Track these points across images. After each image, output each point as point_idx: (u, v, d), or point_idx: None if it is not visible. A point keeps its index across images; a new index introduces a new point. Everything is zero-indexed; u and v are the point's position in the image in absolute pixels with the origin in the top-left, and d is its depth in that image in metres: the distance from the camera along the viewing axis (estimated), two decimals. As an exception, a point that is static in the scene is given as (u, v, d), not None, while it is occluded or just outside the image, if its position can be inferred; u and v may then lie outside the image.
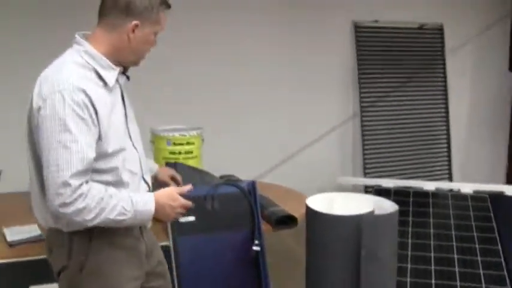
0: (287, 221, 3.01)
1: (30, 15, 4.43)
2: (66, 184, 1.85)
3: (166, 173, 2.81)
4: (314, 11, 5.55)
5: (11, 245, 2.67)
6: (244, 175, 3.51)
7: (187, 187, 2.24)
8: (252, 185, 3.00)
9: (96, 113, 1.95)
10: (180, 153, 3.52)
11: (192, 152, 3.60)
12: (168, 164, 3.22)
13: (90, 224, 1.93)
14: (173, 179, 2.81)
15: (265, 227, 2.97)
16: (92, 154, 1.92)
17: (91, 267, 2.07)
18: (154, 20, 2.10)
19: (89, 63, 2.02)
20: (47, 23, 4.42)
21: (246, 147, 5.24)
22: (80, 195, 1.87)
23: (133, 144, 2.20)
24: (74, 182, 1.85)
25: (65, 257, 2.09)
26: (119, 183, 2.06)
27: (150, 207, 2.05)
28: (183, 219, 2.79)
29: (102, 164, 2.00)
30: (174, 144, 3.56)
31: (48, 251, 2.21)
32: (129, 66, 2.21)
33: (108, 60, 2.06)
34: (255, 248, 2.87)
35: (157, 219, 2.21)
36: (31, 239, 2.68)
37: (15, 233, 2.76)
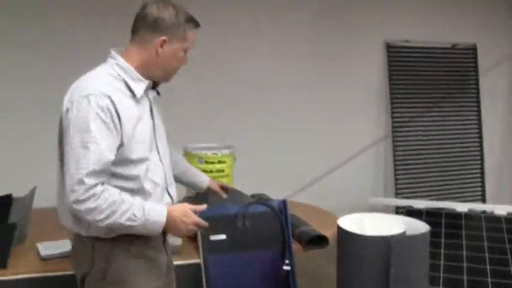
0: (318, 240, 3.00)
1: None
2: (81, 182, 1.92)
3: (217, 183, 2.89)
4: (346, 31, 5.56)
5: (44, 259, 2.74)
6: (275, 194, 3.51)
7: (202, 206, 2.26)
8: (283, 204, 3.00)
9: (120, 119, 2.04)
10: (211, 171, 3.53)
11: (223, 171, 3.62)
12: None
13: (101, 225, 1.98)
14: (223, 188, 2.89)
15: (295, 246, 2.97)
16: (110, 157, 1.99)
17: (113, 275, 2.13)
18: (181, 36, 2.18)
19: (119, 74, 2.13)
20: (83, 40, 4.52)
21: (277, 166, 5.23)
22: (93, 195, 1.94)
23: (160, 158, 2.26)
24: (89, 181, 1.93)
25: (87, 264, 2.16)
26: (140, 192, 2.12)
27: (161, 218, 2.08)
28: (214, 238, 2.81)
29: (125, 171, 2.08)
30: (206, 162, 3.58)
31: (74, 258, 2.28)
32: (160, 82, 2.30)
33: (138, 73, 2.16)
34: (285, 267, 2.86)
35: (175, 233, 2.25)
36: (63, 253, 2.73)
37: (47, 248, 2.82)
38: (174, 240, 2.82)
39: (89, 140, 1.95)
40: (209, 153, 3.61)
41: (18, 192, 3.14)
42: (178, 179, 2.71)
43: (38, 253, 2.80)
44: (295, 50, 5.40)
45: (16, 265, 2.67)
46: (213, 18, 4.81)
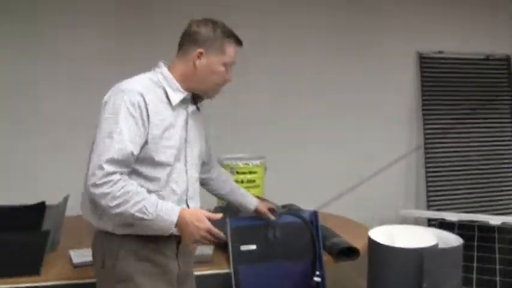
0: (349, 252, 2.99)
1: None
2: (100, 167, 2.01)
3: (265, 205, 2.88)
4: (378, 41, 5.56)
5: (76, 266, 2.78)
6: (306, 205, 3.50)
7: (218, 215, 2.24)
8: (314, 215, 2.99)
9: (148, 118, 2.12)
10: (242, 182, 3.54)
11: (254, 181, 3.63)
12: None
13: (113, 212, 2.05)
14: (270, 210, 2.88)
15: (326, 257, 2.95)
16: (133, 149, 2.07)
17: (120, 273, 2.19)
18: (219, 49, 2.25)
19: (160, 82, 2.23)
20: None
21: (307, 176, 5.23)
22: (109, 181, 2.01)
23: (186, 169, 2.30)
24: (107, 168, 2.01)
25: (100, 259, 2.25)
26: (158, 196, 2.15)
27: (172, 217, 2.09)
28: (244, 248, 2.81)
29: (148, 171, 2.16)
30: (237, 173, 3.59)
31: (92, 257, 2.34)
32: (203, 97, 2.37)
33: (178, 84, 2.24)
34: (316, 278, 2.86)
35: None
36: (94, 261, 2.75)
37: (80, 256, 2.86)
38: (204, 249, 2.83)
39: (114, 131, 2.05)
40: (240, 163, 3.62)
41: (51, 199, 3.18)
42: (226, 199, 2.78)
43: (70, 260, 2.84)
44: (324, 60, 5.41)
45: (49, 272, 2.71)
46: (243, 30, 4.86)
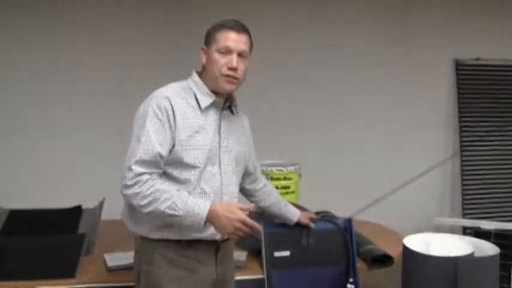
0: (383, 259, 2.97)
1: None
2: (130, 169, 2.09)
3: (306, 215, 2.91)
4: (415, 48, 5.54)
5: (110, 270, 2.81)
6: (340, 211, 3.50)
7: (250, 205, 2.30)
8: (349, 222, 2.99)
9: (175, 121, 2.18)
10: (277, 188, 3.53)
11: (289, 187, 3.62)
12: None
13: (145, 211, 2.11)
14: (311, 219, 2.92)
15: (359, 264, 2.94)
16: (160, 149, 2.13)
17: (151, 280, 2.24)
18: (213, 40, 2.30)
19: (191, 88, 2.30)
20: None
21: (342, 183, 5.22)
22: (139, 181, 2.09)
23: (220, 172, 2.30)
24: (136, 169, 2.09)
25: (137, 265, 2.32)
26: None
27: (203, 212, 2.10)
28: (277, 254, 2.81)
29: (177, 173, 2.20)
30: (272, 179, 3.59)
31: (134, 260, 2.38)
32: (221, 92, 2.34)
33: (207, 88, 2.30)
34: (349, 286, 2.85)
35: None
36: (130, 265, 2.77)
37: (114, 259, 2.89)
38: (238, 255, 2.84)
39: (142, 134, 2.13)
40: (275, 170, 3.62)
41: (87, 203, 3.23)
42: (269, 211, 2.79)
43: (105, 264, 2.87)
44: (360, 67, 5.40)
45: (84, 275, 2.75)
46: (281, 32, 4.88)
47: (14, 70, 4.73)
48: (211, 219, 2.11)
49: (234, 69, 2.25)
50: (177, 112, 2.17)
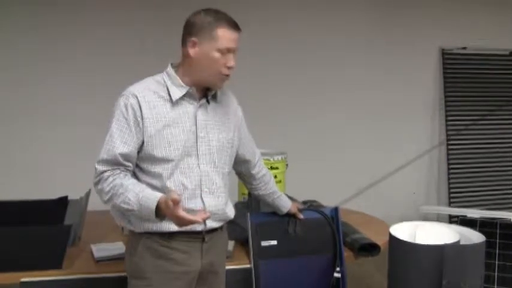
0: (370, 248, 2.98)
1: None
2: (95, 168, 2.19)
3: (294, 205, 2.92)
4: (401, 37, 5.55)
5: (98, 261, 2.80)
6: (327, 201, 3.50)
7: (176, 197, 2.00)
8: (335, 211, 2.99)
9: (142, 118, 2.19)
10: (263, 177, 3.53)
11: (276, 177, 3.62)
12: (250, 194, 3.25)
13: (109, 205, 2.21)
14: (299, 209, 2.94)
15: (346, 253, 2.95)
16: (122, 149, 2.17)
17: (136, 271, 2.28)
18: (210, 36, 2.20)
19: (164, 81, 2.28)
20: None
21: (328, 172, 5.23)
22: (101, 179, 2.18)
23: (198, 163, 2.28)
24: (99, 167, 2.18)
25: (127, 256, 2.36)
26: (164, 190, 2.17)
27: (151, 204, 2.05)
28: (265, 243, 2.82)
29: (149, 167, 2.23)
30: (259, 168, 3.58)
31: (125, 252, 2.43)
32: (212, 88, 2.32)
33: (180, 80, 2.26)
34: (336, 274, 2.85)
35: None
36: (116, 256, 2.79)
37: (101, 250, 2.89)
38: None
39: (108, 133, 2.20)
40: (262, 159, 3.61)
41: (73, 194, 3.21)
42: (263, 199, 2.81)
43: (92, 255, 2.87)
44: (349, 57, 5.43)
45: (70, 266, 2.74)
46: (268, 25, 4.87)
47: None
48: (161, 211, 2.06)
49: (232, 68, 2.26)
50: (144, 109, 2.17)
